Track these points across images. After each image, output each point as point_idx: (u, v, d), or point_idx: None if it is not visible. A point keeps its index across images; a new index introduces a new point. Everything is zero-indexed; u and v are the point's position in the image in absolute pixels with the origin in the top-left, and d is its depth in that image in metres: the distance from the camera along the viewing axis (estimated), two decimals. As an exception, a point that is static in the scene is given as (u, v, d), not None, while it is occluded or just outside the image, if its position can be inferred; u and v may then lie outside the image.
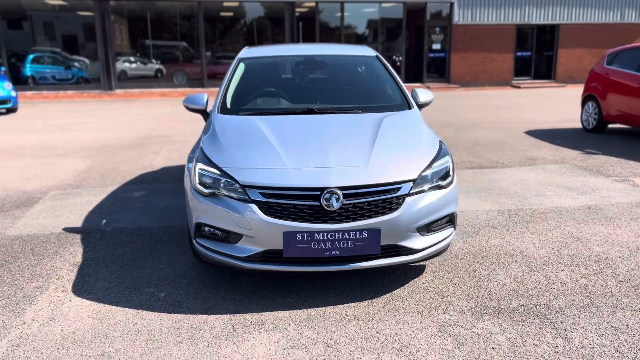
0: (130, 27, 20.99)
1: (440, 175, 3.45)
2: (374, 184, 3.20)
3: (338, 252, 3.15)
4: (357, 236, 3.13)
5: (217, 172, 3.34)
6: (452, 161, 3.63)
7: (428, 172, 3.38)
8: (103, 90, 19.03)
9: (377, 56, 4.91)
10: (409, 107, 4.27)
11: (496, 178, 6.33)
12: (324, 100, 4.50)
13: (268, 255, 3.22)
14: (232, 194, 3.24)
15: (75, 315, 3.19)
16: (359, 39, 21.77)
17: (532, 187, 5.86)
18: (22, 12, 19.84)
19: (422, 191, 3.31)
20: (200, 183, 3.38)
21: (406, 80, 21.18)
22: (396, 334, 2.92)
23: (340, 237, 3.12)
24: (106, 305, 3.31)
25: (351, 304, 3.26)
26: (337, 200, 3.12)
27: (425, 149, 3.57)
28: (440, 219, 3.44)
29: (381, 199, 3.19)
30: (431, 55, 21.49)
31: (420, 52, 21.66)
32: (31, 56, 19.89)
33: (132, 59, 20.68)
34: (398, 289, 3.45)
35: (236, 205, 3.21)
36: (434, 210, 3.34)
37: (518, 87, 21.21)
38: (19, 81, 19.24)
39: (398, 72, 21.32)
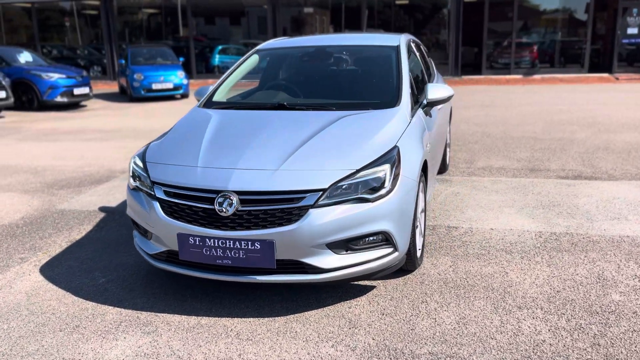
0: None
1: (369, 186, 2.97)
2: (274, 191, 2.89)
3: (230, 262, 2.93)
4: (249, 247, 2.87)
5: (142, 165, 3.33)
6: (394, 171, 3.08)
7: (346, 182, 2.94)
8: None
9: (397, 46, 4.38)
10: (397, 105, 3.74)
11: (579, 192, 5.24)
12: (319, 94, 4.21)
13: (172, 256, 3.13)
14: (146, 189, 3.21)
15: (18, 288, 3.47)
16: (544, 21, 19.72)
17: (615, 208, 4.73)
18: (241, 9, 22.13)
19: (336, 203, 2.89)
20: (132, 176, 3.40)
21: (590, 70, 18.64)
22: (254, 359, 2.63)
23: (232, 246, 2.89)
24: (49, 284, 3.54)
25: (249, 319, 3.01)
26: (231, 205, 2.89)
27: (360, 156, 3.10)
28: (364, 237, 2.97)
29: (280, 208, 2.87)
30: (625, 41, 18.53)
31: (610, 37, 18.83)
32: (219, 47, 22.02)
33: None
34: (314, 310, 3.08)
35: (145, 201, 3.18)
36: (351, 225, 2.90)
37: None
38: (207, 70, 21.54)
39: (579, 60, 18.89)
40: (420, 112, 3.94)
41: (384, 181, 3.02)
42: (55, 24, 22.73)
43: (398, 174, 3.10)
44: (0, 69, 13.22)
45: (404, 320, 2.95)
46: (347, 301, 3.18)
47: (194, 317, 3.06)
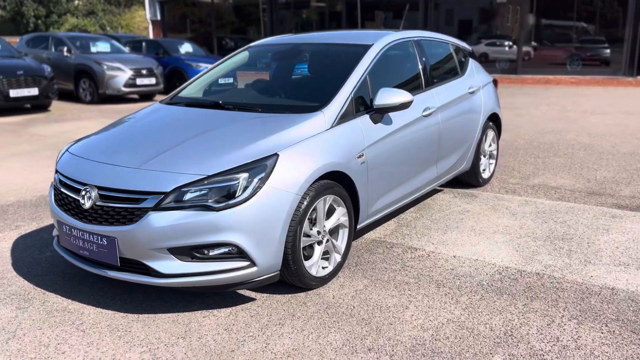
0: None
1: (220, 194, 2.83)
2: (122, 190, 2.93)
3: (87, 253, 3.05)
4: (99, 241, 2.95)
5: (61, 154, 3.59)
6: (258, 180, 2.88)
7: (194, 188, 2.84)
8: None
9: (367, 47, 4.00)
10: (319, 110, 3.45)
11: (614, 227, 4.29)
12: (268, 93, 4.14)
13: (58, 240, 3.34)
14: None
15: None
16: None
17: (638, 253, 3.80)
18: (426, 2, 21.73)
19: (179, 208, 2.81)
20: (60, 164, 3.68)
21: None
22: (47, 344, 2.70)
23: (88, 239, 3.00)
24: None
25: (100, 310, 3.08)
26: (89, 199, 2.99)
27: (224, 161, 2.95)
28: (210, 246, 2.85)
29: (124, 207, 2.89)
30: None
31: None
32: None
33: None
34: (168, 314, 3.04)
35: (51, 189, 3.43)
36: (191, 233, 2.81)
37: None
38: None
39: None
40: (360, 119, 3.59)
41: (236, 190, 2.85)
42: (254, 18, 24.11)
43: (262, 184, 2.89)
44: (160, 58, 14.95)
45: (235, 340, 2.78)
46: (207, 310, 3.08)
47: (61, 299, 3.21)
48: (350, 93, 3.59)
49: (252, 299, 3.20)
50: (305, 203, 3.07)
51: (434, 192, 5.30)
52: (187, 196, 2.83)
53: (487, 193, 5.27)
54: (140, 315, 3.03)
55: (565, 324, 2.88)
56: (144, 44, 16.22)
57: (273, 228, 2.93)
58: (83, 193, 3.02)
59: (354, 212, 3.61)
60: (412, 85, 4.32)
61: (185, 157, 3.05)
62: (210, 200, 2.83)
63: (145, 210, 2.84)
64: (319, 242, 3.31)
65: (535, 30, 18.85)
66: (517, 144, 7.64)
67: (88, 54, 13.33)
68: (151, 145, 3.25)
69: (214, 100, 3.94)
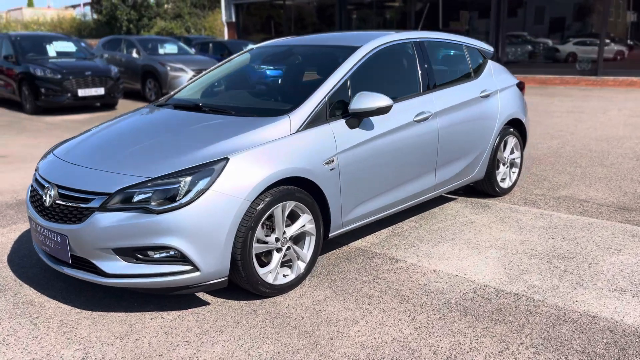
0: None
1: (162, 197, 2.84)
2: (74, 189, 3.02)
3: (48, 249, 3.16)
4: (55, 238, 3.06)
5: (45, 155, 3.74)
6: (201, 184, 2.86)
7: (137, 190, 2.86)
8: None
9: (354, 49, 3.86)
10: (285, 114, 3.37)
11: (629, 247, 3.88)
12: (250, 96, 4.10)
13: (34, 235, 3.49)
14: (37, 174, 3.62)
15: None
16: None
17: (644, 275, 3.42)
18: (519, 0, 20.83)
19: (122, 209, 2.85)
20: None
21: None
22: None
23: (47, 235, 3.12)
24: None
25: (58, 304, 3.18)
26: (50, 196, 3.10)
27: (171, 163, 2.96)
28: (151, 249, 2.87)
29: (75, 206, 2.97)
30: None
31: None
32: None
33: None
34: (118, 313, 3.09)
35: (29, 186, 3.59)
36: (131, 235, 2.84)
37: None
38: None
39: None
40: (334, 124, 3.46)
41: (177, 194, 2.84)
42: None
43: (207, 189, 2.87)
44: (222, 58, 15.37)
45: (169, 344, 2.76)
46: (157, 312, 3.09)
47: (32, 292, 3.34)
48: (324, 97, 3.48)
49: (207, 303, 3.19)
50: (258, 209, 3.01)
51: (445, 200, 5.04)
52: (133, 198, 2.86)
53: (503, 204, 4.94)
54: (94, 312, 3.10)
55: (519, 353, 2.63)
56: (210, 45, 16.75)
57: (217, 233, 2.90)
58: (46, 191, 3.14)
59: (325, 219, 3.50)
60: (407, 89, 4.12)
61: (137, 159, 3.09)
62: (153, 203, 2.84)
63: (92, 210, 2.90)
64: (278, 249, 3.23)
65: (634, 28, 17.49)
66: (563, 151, 7.12)
67: (155, 55, 13.94)
68: (116, 146, 3.32)
69: (195, 102, 3.96)
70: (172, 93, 4.43)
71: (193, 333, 2.87)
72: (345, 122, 3.53)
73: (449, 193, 5.22)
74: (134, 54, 13.90)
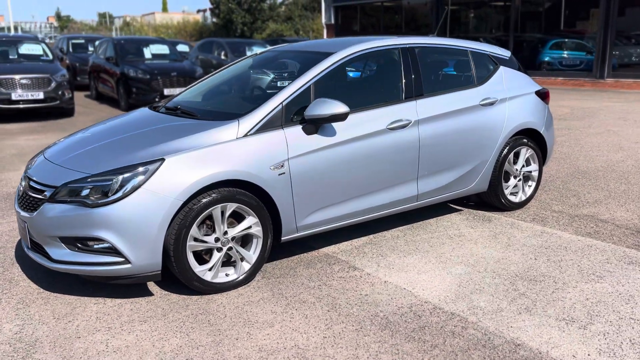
0: None
1: (99, 192, 3.09)
2: (35, 181, 3.35)
3: (21, 234, 3.54)
4: (22, 224, 3.43)
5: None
6: (134, 182, 3.06)
7: (78, 185, 3.14)
8: (593, 79, 17.39)
9: (327, 55, 3.86)
10: (236, 119, 3.48)
11: (616, 275, 3.51)
12: (228, 100, 4.27)
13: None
14: (32, 168, 4.04)
15: None
16: None
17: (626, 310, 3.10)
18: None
19: (63, 202, 3.14)
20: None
21: None
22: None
23: (20, 221, 3.49)
24: None
25: (29, 285, 3.54)
26: (23, 187, 3.48)
27: (112, 162, 3.20)
28: (87, 240, 3.12)
29: (34, 196, 3.31)
30: None
31: None
32: (552, 42, 20.14)
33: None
34: (76, 297, 3.38)
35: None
36: (69, 225, 3.11)
37: None
38: (532, 66, 19.96)
39: None
40: (288, 130, 3.50)
41: (109, 190, 3.06)
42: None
43: (139, 186, 3.06)
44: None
45: (91, 328, 2.99)
46: (104, 298, 3.33)
47: (19, 271, 3.74)
48: (280, 103, 3.54)
49: (151, 294, 3.39)
50: (194, 208, 3.15)
51: (447, 210, 4.85)
52: (78, 192, 3.13)
53: (507, 218, 4.65)
54: (52, 293, 3.42)
55: (409, 374, 2.53)
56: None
57: (148, 229, 3.08)
58: (22, 182, 3.52)
59: (277, 223, 3.56)
60: (384, 96, 4.04)
61: (90, 156, 3.38)
62: (91, 198, 3.08)
63: (44, 201, 3.21)
64: (219, 249, 3.35)
65: None
66: (621, 165, 6.47)
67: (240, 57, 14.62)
68: (84, 144, 3.62)
69: (176, 104, 4.17)
70: (176, 94, 4.70)
71: (120, 321, 3.08)
72: (302, 128, 3.56)
73: (454, 204, 5.01)
74: (222, 56, 14.66)
